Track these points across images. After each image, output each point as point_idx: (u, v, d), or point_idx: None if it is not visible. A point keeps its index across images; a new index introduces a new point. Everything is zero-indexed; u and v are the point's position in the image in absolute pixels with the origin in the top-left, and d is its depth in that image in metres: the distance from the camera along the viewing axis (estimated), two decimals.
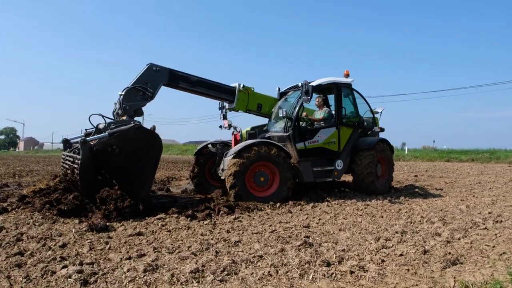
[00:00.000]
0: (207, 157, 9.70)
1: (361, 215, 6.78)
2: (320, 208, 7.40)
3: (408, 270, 3.79)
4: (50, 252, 4.22)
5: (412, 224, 5.97)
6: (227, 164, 7.97)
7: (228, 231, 5.43)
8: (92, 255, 4.20)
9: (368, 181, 9.22)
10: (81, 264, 3.78)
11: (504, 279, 3.44)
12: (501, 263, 3.94)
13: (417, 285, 3.40)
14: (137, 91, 7.80)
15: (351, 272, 3.68)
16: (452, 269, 3.80)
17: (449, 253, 4.32)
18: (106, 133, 6.69)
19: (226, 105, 9.72)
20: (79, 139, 6.68)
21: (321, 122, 9.28)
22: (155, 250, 4.38)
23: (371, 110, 10.11)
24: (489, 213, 6.74)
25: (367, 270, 3.74)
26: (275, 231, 5.40)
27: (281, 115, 8.62)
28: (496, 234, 5.20)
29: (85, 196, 6.52)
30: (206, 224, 5.89)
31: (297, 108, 8.81)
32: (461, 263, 3.98)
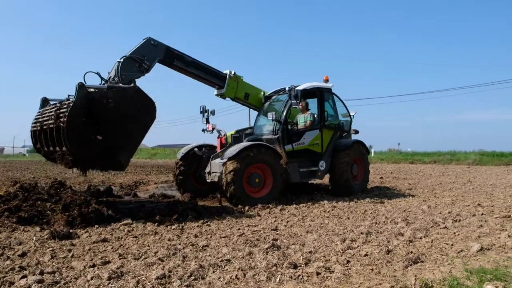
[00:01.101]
0: (191, 160, 9.73)
1: (328, 217, 6.90)
2: (288, 211, 7.47)
3: (372, 269, 3.88)
4: (8, 262, 4.06)
5: (376, 225, 6.12)
6: (225, 166, 8.06)
7: (196, 236, 5.40)
8: (53, 263, 4.08)
9: (344, 180, 9.65)
10: (41, 273, 3.66)
11: (461, 275, 3.58)
12: (458, 260, 4.11)
13: (380, 284, 3.49)
14: (134, 62, 7.68)
15: (318, 274, 3.74)
16: (414, 267, 3.93)
17: (411, 252, 4.46)
18: (105, 85, 6.64)
19: (209, 109, 9.82)
20: (59, 100, 6.60)
21: (306, 125, 9.68)
22: (121, 257, 4.30)
23: (348, 113, 10.60)
24: (449, 212, 7.01)
25: (333, 271, 3.81)
26: (244, 235, 5.41)
27: (270, 118, 8.98)
28: (455, 233, 5.41)
29: (67, 144, 6.03)
30: (173, 229, 5.83)
31: (285, 112, 9.18)
32: (422, 262, 4.12)
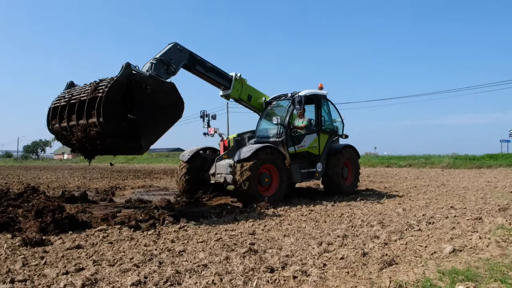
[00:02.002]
0: (196, 162, 10.18)
1: (305, 220, 6.94)
2: (266, 215, 7.48)
3: (348, 272, 3.93)
4: None
5: (353, 228, 6.20)
6: (240, 165, 8.54)
7: (172, 241, 5.35)
8: (25, 271, 3.97)
9: (335, 181, 10.51)
10: (12, 281, 3.56)
11: (434, 276, 3.66)
12: (432, 262, 4.20)
13: (356, 286, 3.54)
14: (163, 64, 8.04)
15: (294, 277, 3.76)
16: (388, 269, 4.00)
17: (386, 254, 4.53)
18: (148, 73, 7.26)
19: (209, 113, 10.29)
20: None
21: (304, 129, 10.33)
22: (95, 263, 4.22)
23: (341, 118, 11.33)
24: (423, 215, 7.16)
25: (309, 275, 3.83)
26: (221, 239, 5.39)
27: (274, 123, 9.52)
28: (428, 235, 5.53)
29: (100, 113, 6.35)
30: (150, 235, 5.76)
31: (288, 116, 9.77)
32: (397, 264, 4.20)
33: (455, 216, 7.01)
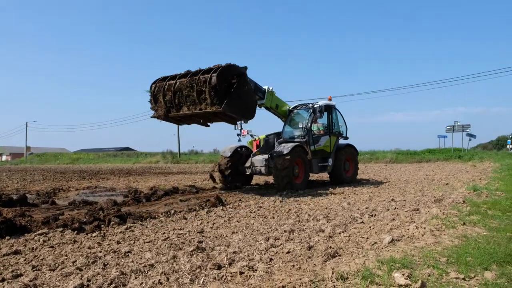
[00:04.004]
0: (235, 157, 12.31)
1: (253, 217, 7.03)
2: (215, 213, 7.50)
3: (294, 266, 4.04)
4: None
5: (300, 223, 6.36)
6: (280, 159, 10.79)
7: (118, 242, 5.23)
8: None
9: (339, 173, 13.21)
10: None
11: (373, 266, 3.85)
12: (372, 252, 4.42)
13: (300, 279, 3.64)
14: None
15: (241, 273, 3.81)
16: (332, 261, 4.16)
17: (330, 247, 4.70)
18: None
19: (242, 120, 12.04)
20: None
21: (319, 132, 12.93)
22: (34, 269, 4.05)
23: (344, 122, 13.86)
24: (366, 208, 7.48)
25: (256, 270, 3.90)
26: (168, 239, 5.35)
27: (300, 127, 12.24)
28: (370, 227, 5.80)
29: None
30: (94, 237, 5.59)
31: (310, 122, 12.37)
32: (340, 255, 4.37)
33: (395, 208, 7.39)
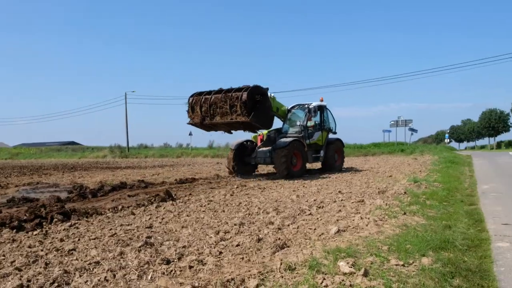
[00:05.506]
0: (241, 149, 14.51)
1: (204, 211, 7.01)
2: (164, 208, 7.39)
3: (243, 258, 4.08)
4: None
5: (250, 216, 6.42)
6: (281, 150, 12.92)
7: (61, 240, 5.02)
8: None
9: (330, 163, 15.46)
10: None
11: (320, 256, 3.98)
12: (319, 243, 4.56)
13: (249, 271, 3.69)
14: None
15: (190, 267, 3.79)
16: (281, 252, 4.24)
17: (279, 239, 4.79)
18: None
19: None
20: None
21: (313, 128, 15.08)
22: None
23: (334, 120, 16.08)
24: (314, 200, 7.69)
25: (205, 263, 3.90)
26: (115, 235, 5.21)
27: (298, 124, 14.64)
28: (318, 218, 5.97)
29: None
30: (35, 235, 5.34)
31: (306, 120, 14.59)
32: (288, 247, 4.47)
33: (342, 200, 7.65)
